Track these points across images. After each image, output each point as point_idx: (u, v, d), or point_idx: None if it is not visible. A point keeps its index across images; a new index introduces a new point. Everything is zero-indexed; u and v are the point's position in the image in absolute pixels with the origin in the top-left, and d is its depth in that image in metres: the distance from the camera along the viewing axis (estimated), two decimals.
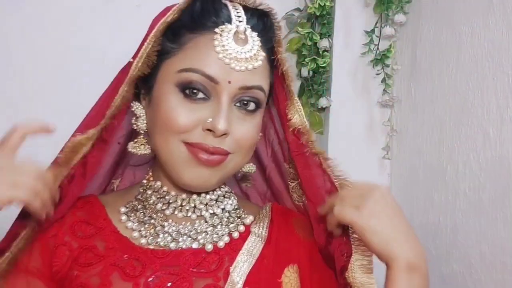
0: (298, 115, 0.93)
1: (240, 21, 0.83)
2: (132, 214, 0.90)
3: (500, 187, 1.12)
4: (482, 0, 1.19)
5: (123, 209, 0.91)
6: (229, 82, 0.81)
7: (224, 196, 0.92)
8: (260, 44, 0.84)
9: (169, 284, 0.81)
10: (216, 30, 0.82)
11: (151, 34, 0.85)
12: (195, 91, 0.81)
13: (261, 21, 0.86)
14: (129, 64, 0.86)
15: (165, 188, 0.89)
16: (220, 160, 0.83)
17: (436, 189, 1.32)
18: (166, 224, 0.88)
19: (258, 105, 0.86)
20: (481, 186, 1.17)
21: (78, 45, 1.35)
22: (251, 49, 0.82)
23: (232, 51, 0.81)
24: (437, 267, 1.30)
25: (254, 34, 0.84)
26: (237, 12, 0.84)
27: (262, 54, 0.84)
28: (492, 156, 1.14)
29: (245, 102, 0.84)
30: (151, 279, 0.81)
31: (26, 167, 0.78)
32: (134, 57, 0.86)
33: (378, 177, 1.50)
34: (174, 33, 0.84)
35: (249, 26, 0.84)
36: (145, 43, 0.85)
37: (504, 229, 1.10)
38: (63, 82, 1.35)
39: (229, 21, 0.83)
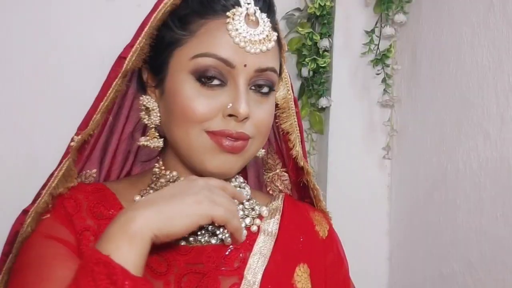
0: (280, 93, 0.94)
1: (248, 3, 0.82)
2: None
3: (500, 187, 1.12)
4: (482, 0, 1.19)
5: (137, 198, 0.88)
6: (245, 65, 0.80)
7: (239, 187, 0.91)
8: (270, 24, 0.84)
9: (195, 285, 0.80)
10: (228, 13, 0.80)
11: (145, 29, 0.84)
12: (211, 78, 0.80)
13: (266, 1, 0.86)
14: (120, 60, 0.85)
15: (182, 179, 0.87)
16: (243, 145, 0.82)
17: (436, 189, 1.32)
18: None
19: (272, 87, 0.85)
20: (481, 185, 1.17)
21: (78, 45, 1.35)
22: (263, 31, 0.82)
23: (246, 34, 0.80)
24: (437, 266, 1.30)
25: (264, 15, 0.83)
26: None
27: (275, 34, 0.84)
28: (492, 155, 1.15)
29: (260, 85, 0.84)
30: (181, 283, 0.80)
31: (221, 191, 0.80)
32: (127, 51, 0.85)
33: (378, 177, 1.51)
34: (183, 21, 0.83)
35: (257, 7, 0.83)
36: (139, 38, 0.84)
37: (505, 228, 1.10)
38: (62, 82, 1.35)
39: (238, 3, 0.82)
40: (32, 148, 1.32)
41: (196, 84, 0.81)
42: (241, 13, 0.81)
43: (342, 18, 1.48)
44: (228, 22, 0.80)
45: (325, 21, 1.46)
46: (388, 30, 1.44)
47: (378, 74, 1.46)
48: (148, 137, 0.87)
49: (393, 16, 1.44)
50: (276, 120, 0.95)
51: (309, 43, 1.46)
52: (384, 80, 1.45)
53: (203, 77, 0.80)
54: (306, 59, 1.46)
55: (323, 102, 1.46)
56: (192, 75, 0.81)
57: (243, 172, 1.03)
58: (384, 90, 1.46)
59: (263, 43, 0.81)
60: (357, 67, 1.49)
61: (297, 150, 0.94)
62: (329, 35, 1.47)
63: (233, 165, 0.84)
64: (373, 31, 1.45)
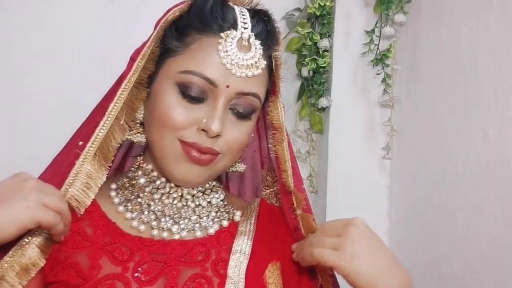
0: (278, 114, 0.96)
1: (245, 28, 0.86)
2: (121, 192, 0.93)
3: (500, 187, 1.12)
4: (482, 0, 1.19)
5: (113, 186, 0.94)
6: (228, 86, 0.84)
7: (211, 190, 0.95)
8: (262, 52, 0.87)
9: (156, 272, 0.83)
10: (222, 34, 0.84)
11: (154, 34, 0.88)
12: (193, 94, 0.85)
13: (266, 28, 0.89)
14: (131, 64, 0.88)
15: (155, 173, 0.92)
16: (210, 159, 0.87)
17: (436, 189, 1.32)
18: (152, 203, 0.91)
19: (250, 114, 0.89)
20: (481, 186, 1.17)
21: (78, 46, 1.36)
22: (253, 57, 0.85)
23: (234, 57, 0.84)
24: (437, 267, 1.30)
25: (257, 42, 0.87)
26: (244, 18, 0.87)
27: (263, 62, 0.87)
28: (492, 156, 1.15)
29: (238, 111, 0.87)
30: (140, 268, 0.83)
31: (53, 189, 0.80)
32: (135, 56, 0.88)
33: (378, 177, 1.51)
34: (180, 32, 0.87)
35: (253, 33, 0.86)
36: (148, 43, 0.88)
37: (504, 229, 1.10)
38: (63, 83, 1.35)
39: (235, 26, 0.86)
40: (32, 148, 1.32)
41: (178, 96, 0.85)
42: (234, 36, 0.85)
43: (342, 18, 1.48)
44: (220, 43, 0.84)
45: (325, 21, 1.46)
46: (388, 30, 1.43)
47: (378, 74, 1.46)
48: (132, 132, 0.91)
49: (393, 16, 1.43)
50: (269, 143, 0.98)
51: (309, 43, 1.46)
52: (384, 80, 1.45)
53: (186, 93, 0.85)
54: (306, 59, 1.46)
55: (323, 102, 1.46)
56: (177, 86, 0.85)
57: (241, 186, 1.06)
58: (384, 90, 1.46)
59: (250, 68, 0.85)
60: (357, 67, 1.49)
61: (285, 176, 0.96)
62: (329, 35, 1.47)
63: (199, 175, 0.88)
64: (373, 31, 1.45)
